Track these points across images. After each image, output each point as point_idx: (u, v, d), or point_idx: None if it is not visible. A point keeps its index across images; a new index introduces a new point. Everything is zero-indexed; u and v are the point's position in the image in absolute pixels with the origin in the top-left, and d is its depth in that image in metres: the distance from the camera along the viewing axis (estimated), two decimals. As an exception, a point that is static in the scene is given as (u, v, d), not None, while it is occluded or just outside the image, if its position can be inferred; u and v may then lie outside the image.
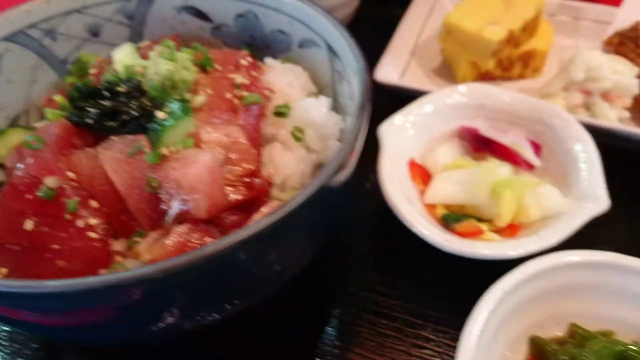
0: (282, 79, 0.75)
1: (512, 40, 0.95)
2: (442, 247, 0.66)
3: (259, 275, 0.53)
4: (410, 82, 0.98)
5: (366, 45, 1.11)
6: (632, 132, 0.81)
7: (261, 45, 0.83)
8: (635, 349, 0.57)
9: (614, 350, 0.57)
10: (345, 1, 1.09)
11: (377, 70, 0.97)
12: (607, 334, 0.62)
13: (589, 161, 0.75)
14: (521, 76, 1.03)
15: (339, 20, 0.70)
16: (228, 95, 0.67)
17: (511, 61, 1.00)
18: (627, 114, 0.89)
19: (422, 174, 0.80)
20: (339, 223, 0.66)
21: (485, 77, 1.00)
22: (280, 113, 0.69)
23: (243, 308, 0.59)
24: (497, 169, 0.74)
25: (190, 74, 0.64)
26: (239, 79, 0.69)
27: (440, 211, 0.76)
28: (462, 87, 0.86)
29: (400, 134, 0.81)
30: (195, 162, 0.55)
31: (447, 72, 1.05)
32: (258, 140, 0.66)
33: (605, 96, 0.88)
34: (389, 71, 0.98)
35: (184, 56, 0.64)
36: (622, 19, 1.02)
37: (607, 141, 0.85)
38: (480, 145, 0.81)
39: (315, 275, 0.76)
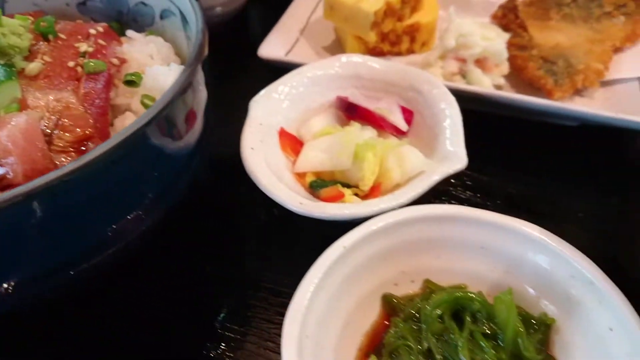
0: (142, 49, 0.73)
1: (392, 12, 0.95)
2: (296, 209, 0.65)
3: (81, 237, 0.51)
4: (296, 58, 0.97)
5: (261, 25, 1.12)
6: (497, 95, 0.83)
7: (128, 19, 0.81)
8: (473, 295, 0.57)
9: (450, 298, 0.57)
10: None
11: (262, 47, 0.97)
12: (459, 288, 0.63)
13: (452, 123, 0.75)
14: (411, 51, 1.04)
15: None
16: (70, 64, 0.65)
17: (397, 35, 1.00)
18: (502, 81, 0.90)
19: (293, 144, 0.79)
20: (185, 188, 0.64)
21: (373, 52, 1.01)
22: (130, 82, 0.67)
23: (89, 275, 0.57)
24: (359, 133, 0.73)
25: (23, 40, 0.62)
26: (83, 47, 0.66)
27: (309, 179, 0.75)
28: (338, 59, 0.86)
29: (272, 105, 0.80)
30: (8, 124, 0.52)
31: (338, 49, 1.05)
32: (104, 109, 0.64)
33: (482, 65, 0.89)
34: (274, 48, 0.98)
35: (14, 22, 0.61)
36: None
37: (481, 108, 0.87)
38: (351, 113, 0.81)
39: (183, 246, 0.75)
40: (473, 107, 0.88)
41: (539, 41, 0.96)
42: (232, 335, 0.67)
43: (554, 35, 0.99)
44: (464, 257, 0.63)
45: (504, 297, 0.54)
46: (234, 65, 1.04)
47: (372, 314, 0.62)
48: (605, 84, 0.93)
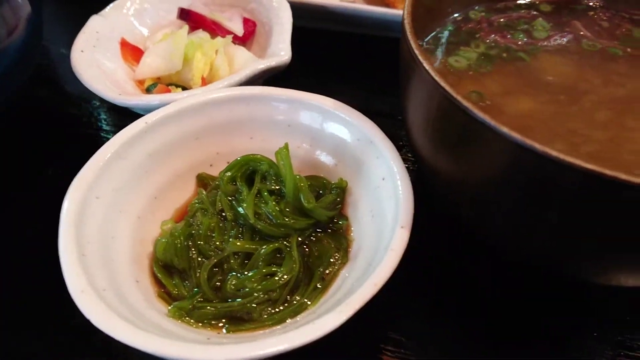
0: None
1: None
2: (112, 100, 0.68)
3: None
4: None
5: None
6: (336, 6, 0.86)
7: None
8: (261, 157, 0.61)
9: (241, 160, 0.61)
10: None
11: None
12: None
13: (282, 24, 0.79)
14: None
15: None
16: None
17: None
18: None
19: (134, 54, 0.81)
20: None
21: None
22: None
23: None
24: (189, 35, 0.76)
25: None
26: None
27: (147, 84, 0.78)
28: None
29: (117, 20, 0.83)
30: None
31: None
32: None
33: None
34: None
35: None
36: None
37: (330, 25, 0.91)
38: (185, 19, 0.84)
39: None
40: (323, 25, 0.92)
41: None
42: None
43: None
44: (275, 136, 0.67)
45: (281, 152, 0.58)
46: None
47: (187, 191, 0.65)
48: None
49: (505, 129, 0.42)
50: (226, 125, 0.66)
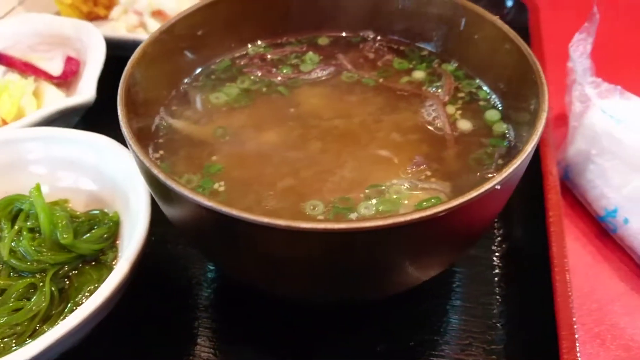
0: None
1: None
2: None
3: None
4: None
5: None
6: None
7: None
8: (24, 195, 0.65)
9: (7, 200, 0.64)
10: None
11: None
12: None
13: (92, 63, 0.83)
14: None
15: None
16: None
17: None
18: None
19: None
20: None
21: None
22: None
23: None
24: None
25: None
26: None
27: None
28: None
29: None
30: None
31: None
32: None
33: (162, 17, 0.98)
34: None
35: None
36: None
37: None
38: (5, 65, 0.87)
39: None
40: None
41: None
42: None
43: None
44: (60, 173, 0.70)
45: (32, 192, 0.61)
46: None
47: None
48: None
49: (158, 173, 0.45)
50: (9, 166, 0.69)
